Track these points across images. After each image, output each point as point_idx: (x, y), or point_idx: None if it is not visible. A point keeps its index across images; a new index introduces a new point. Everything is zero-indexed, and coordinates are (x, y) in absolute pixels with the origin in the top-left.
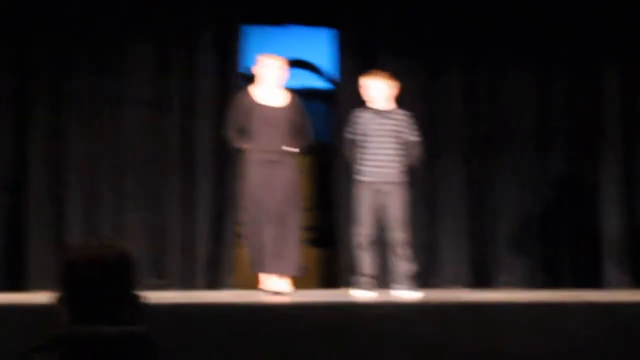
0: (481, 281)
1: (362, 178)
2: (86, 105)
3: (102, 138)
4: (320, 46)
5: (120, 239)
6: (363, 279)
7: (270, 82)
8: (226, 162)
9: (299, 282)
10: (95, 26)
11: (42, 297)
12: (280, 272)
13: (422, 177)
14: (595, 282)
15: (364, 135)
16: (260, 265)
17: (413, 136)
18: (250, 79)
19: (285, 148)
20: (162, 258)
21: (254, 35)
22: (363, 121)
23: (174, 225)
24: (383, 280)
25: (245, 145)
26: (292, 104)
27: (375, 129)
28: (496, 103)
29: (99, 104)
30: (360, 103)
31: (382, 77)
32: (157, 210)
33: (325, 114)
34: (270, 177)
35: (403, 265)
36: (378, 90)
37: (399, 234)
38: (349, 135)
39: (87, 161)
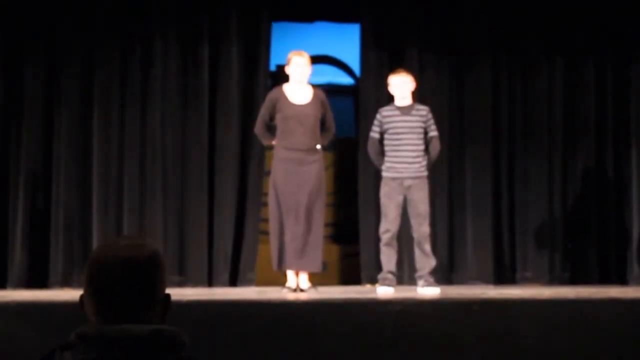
0: (505, 277)
1: (386, 174)
2: (112, 99)
3: (127, 133)
4: (347, 42)
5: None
6: (385, 275)
7: (298, 79)
8: (250, 159)
9: (320, 279)
10: (122, 21)
11: (67, 295)
12: (303, 269)
13: (447, 171)
14: (621, 278)
15: (388, 132)
16: (284, 262)
17: (432, 131)
18: (277, 75)
19: (313, 145)
20: (184, 255)
21: (281, 31)
22: (387, 119)
23: (196, 221)
24: (406, 275)
25: (273, 142)
26: (318, 99)
27: (398, 126)
28: (523, 97)
29: (124, 99)
30: (385, 98)
31: (407, 74)
32: (180, 206)
33: (349, 110)
34: (298, 174)
35: (425, 260)
36: (398, 87)
37: (422, 228)
38: (375, 135)
39: (111, 156)
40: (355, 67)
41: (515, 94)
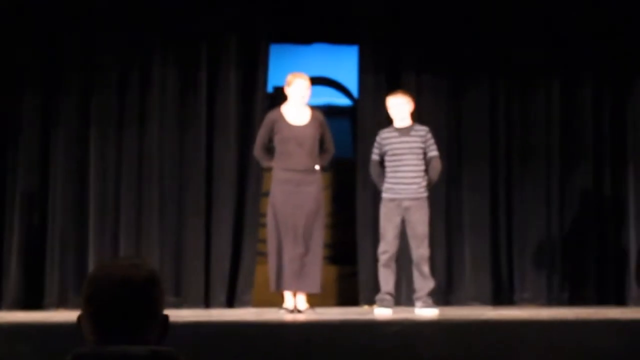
0: (503, 298)
1: (385, 195)
2: (109, 120)
3: (124, 154)
4: (345, 64)
5: (144, 257)
6: (383, 296)
7: (298, 100)
8: (248, 180)
9: (318, 300)
10: (121, 44)
11: (63, 316)
12: (301, 290)
13: (445, 192)
14: (620, 299)
15: (387, 154)
16: (282, 283)
17: (432, 151)
18: (275, 97)
19: (312, 166)
20: (180, 275)
21: (278, 52)
22: (385, 141)
23: (193, 242)
24: (404, 296)
25: (272, 164)
26: (316, 120)
27: (398, 147)
28: (521, 118)
29: (122, 120)
30: (383, 119)
31: (404, 95)
32: (177, 227)
33: (347, 131)
34: (297, 195)
35: (424, 282)
36: (396, 108)
37: (420, 250)
38: (375, 157)
39: (108, 177)
40: (353, 88)
41: (513, 115)
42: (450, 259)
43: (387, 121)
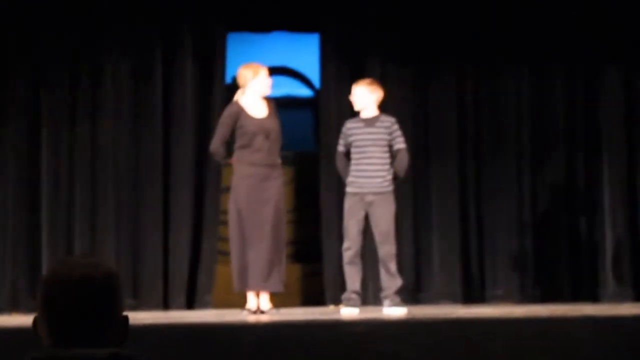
0: (474, 296)
1: (348, 188)
2: (61, 115)
3: (77, 150)
4: (306, 53)
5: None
6: (349, 295)
7: (259, 92)
8: (207, 175)
9: (282, 300)
10: (71, 36)
11: (16, 321)
12: (267, 289)
13: (412, 187)
14: (593, 295)
15: (352, 145)
16: (246, 283)
17: (399, 143)
18: (233, 88)
19: (277, 160)
20: (137, 276)
21: (237, 42)
22: (351, 131)
23: (150, 241)
24: (370, 295)
25: (232, 160)
26: (274, 111)
27: (362, 139)
28: (488, 108)
29: (74, 115)
30: (346, 110)
31: (364, 84)
32: (132, 224)
33: (309, 123)
34: (262, 190)
35: (391, 280)
36: (361, 98)
37: (386, 247)
38: (340, 148)
39: (60, 174)
40: (315, 78)
41: (482, 105)
42: (418, 256)
43: (351, 112)
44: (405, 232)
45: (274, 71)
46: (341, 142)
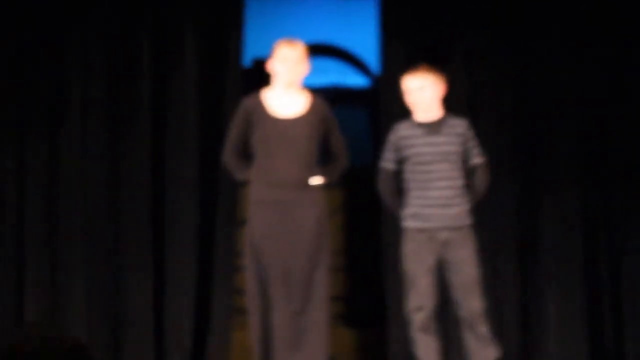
0: None
1: (410, 223)
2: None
3: (30, 168)
4: (360, 27)
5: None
6: None
7: (287, 80)
8: (216, 201)
9: None
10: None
11: None
12: None
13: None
14: None
15: (409, 162)
16: (270, 358)
17: (476, 156)
18: (255, 75)
19: (308, 179)
20: (119, 346)
21: (260, 11)
22: (405, 142)
23: (136, 298)
24: None
25: (250, 176)
26: (317, 111)
27: (425, 152)
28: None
29: (28, 115)
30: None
31: (417, 73)
32: (111, 273)
33: (363, 124)
34: (286, 224)
35: (483, 349)
36: (414, 95)
37: (473, 302)
38: (389, 165)
39: (8, 200)
40: (372, 61)
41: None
42: (523, 311)
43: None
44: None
45: (314, 51)
46: (389, 156)
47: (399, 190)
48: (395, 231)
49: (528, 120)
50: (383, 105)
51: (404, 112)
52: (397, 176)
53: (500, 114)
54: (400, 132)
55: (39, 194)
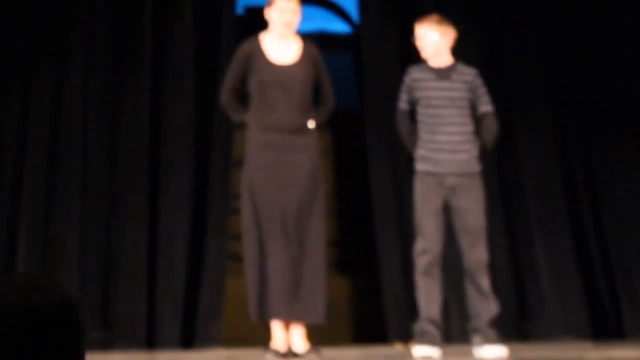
0: (607, 329)
1: (421, 166)
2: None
3: (31, 120)
4: None
5: (54, 276)
6: (424, 326)
7: (284, 28)
8: (212, 144)
9: (324, 334)
10: None
11: None
12: (298, 319)
13: (497, 165)
14: None
15: (421, 104)
16: (266, 310)
17: (485, 104)
18: (247, 22)
19: (304, 123)
20: (109, 298)
21: None
22: (417, 84)
23: (129, 246)
24: (454, 326)
25: (247, 118)
26: (310, 57)
27: (435, 96)
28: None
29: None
30: (394, 55)
31: (434, 22)
32: (103, 223)
33: (346, 70)
34: (284, 167)
35: (483, 303)
36: (433, 41)
37: (476, 253)
38: (403, 105)
39: (6, 151)
40: (353, 8)
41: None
42: (519, 269)
43: (400, 55)
44: (497, 235)
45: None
46: (404, 97)
47: (414, 129)
48: (382, 172)
49: (497, 65)
50: (365, 50)
51: (385, 57)
52: (413, 117)
53: (470, 59)
54: (413, 74)
55: (41, 140)
